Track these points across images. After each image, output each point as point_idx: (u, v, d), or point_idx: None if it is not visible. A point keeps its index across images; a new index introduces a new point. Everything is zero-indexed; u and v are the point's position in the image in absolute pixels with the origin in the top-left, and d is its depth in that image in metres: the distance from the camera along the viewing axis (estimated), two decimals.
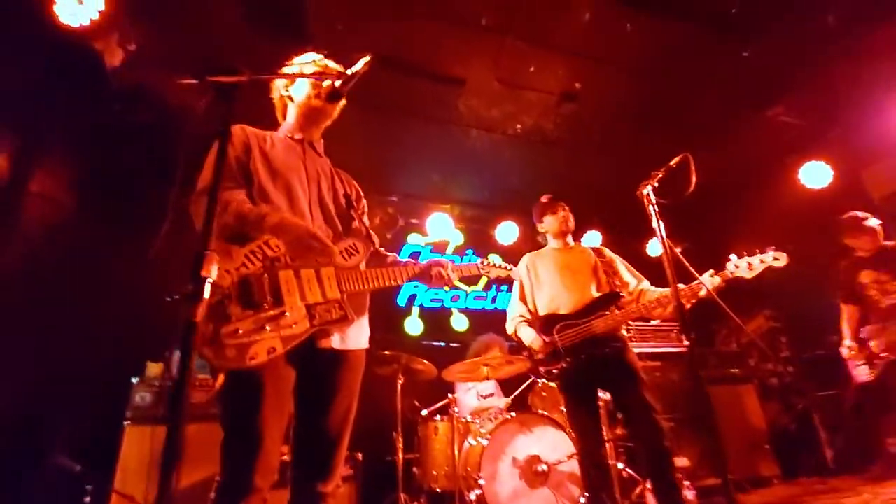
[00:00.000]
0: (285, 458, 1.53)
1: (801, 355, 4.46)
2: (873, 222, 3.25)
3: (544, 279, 2.72)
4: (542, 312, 2.64)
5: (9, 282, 2.81)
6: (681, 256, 1.77)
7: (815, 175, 4.43)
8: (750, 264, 2.21)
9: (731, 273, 2.24)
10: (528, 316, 2.71)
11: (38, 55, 2.88)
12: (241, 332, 1.28)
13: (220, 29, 3.01)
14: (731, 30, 3.31)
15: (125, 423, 2.91)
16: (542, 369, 2.52)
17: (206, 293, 0.99)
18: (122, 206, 3.50)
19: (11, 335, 2.74)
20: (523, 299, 2.79)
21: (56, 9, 2.64)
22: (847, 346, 3.22)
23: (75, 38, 2.75)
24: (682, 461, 3.28)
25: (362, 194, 1.81)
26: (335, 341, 1.47)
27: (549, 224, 2.85)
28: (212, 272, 1.01)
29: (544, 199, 2.94)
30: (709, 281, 2.23)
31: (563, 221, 2.83)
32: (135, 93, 3.26)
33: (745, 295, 2.97)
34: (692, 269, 1.91)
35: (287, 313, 1.35)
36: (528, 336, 2.59)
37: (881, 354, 3.07)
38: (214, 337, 1.25)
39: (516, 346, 2.84)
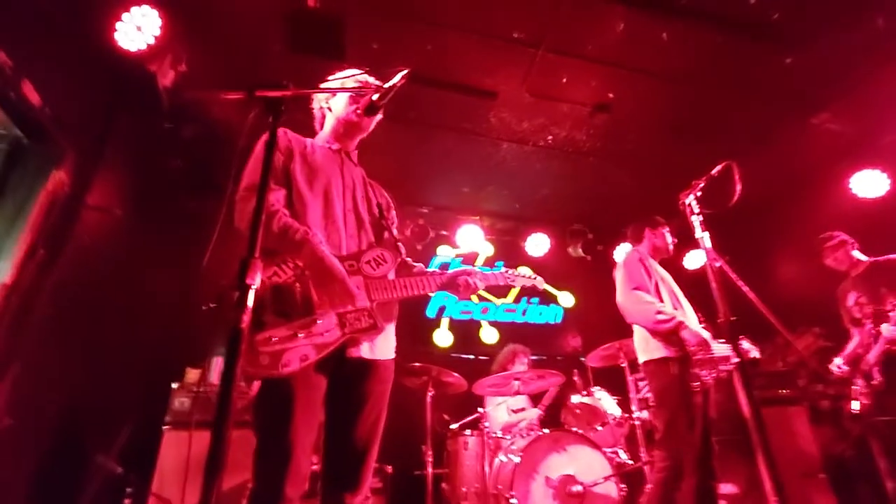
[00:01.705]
0: (316, 467, 1.53)
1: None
2: (840, 240, 3.22)
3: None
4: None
5: (62, 288, 2.98)
6: (727, 268, 1.70)
7: (869, 184, 4.18)
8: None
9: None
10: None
11: (98, 77, 3.10)
12: (274, 339, 1.30)
13: (263, 50, 3.16)
14: (772, 36, 3.19)
15: (164, 427, 3.01)
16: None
17: (251, 300, 1.00)
18: (168, 217, 3.68)
19: (62, 340, 2.89)
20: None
21: (117, 35, 2.84)
22: (835, 365, 3.12)
23: (132, 61, 2.94)
24: (728, 487, 3.09)
25: (392, 205, 1.83)
26: (364, 350, 1.48)
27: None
28: (256, 279, 1.02)
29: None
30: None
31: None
32: (184, 111, 3.45)
33: (793, 310, 2.81)
34: (739, 282, 1.83)
35: (319, 321, 1.37)
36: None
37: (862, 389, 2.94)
38: (249, 344, 1.28)
39: (545, 359, 2.81)
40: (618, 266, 2.85)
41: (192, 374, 3.32)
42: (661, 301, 2.62)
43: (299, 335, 1.33)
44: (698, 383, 2.39)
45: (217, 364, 3.29)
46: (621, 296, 2.71)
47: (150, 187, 3.72)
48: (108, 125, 3.29)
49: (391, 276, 1.58)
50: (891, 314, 2.88)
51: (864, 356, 2.99)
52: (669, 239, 2.96)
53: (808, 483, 3.54)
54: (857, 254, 3.26)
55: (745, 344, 2.50)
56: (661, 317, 2.51)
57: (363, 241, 1.61)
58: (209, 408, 3.05)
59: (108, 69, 3.01)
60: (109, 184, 3.50)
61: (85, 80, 3.05)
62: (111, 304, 3.23)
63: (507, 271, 1.87)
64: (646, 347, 2.65)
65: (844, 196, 4.24)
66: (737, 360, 1.58)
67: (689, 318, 2.66)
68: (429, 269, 1.73)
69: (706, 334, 2.47)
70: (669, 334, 2.48)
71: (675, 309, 2.64)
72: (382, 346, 1.54)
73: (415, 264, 1.76)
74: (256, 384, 1.32)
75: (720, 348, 2.45)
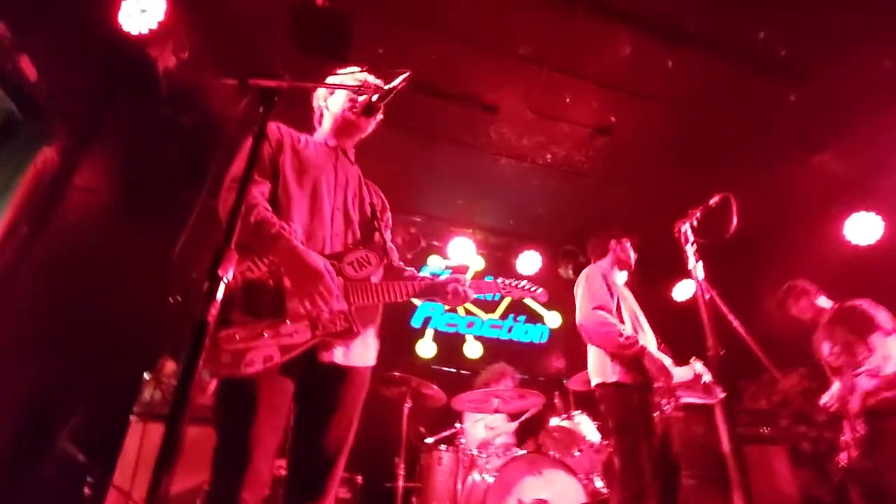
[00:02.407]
0: (282, 471, 1.48)
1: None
2: (802, 289, 3.21)
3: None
4: None
5: (43, 267, 2.91)
6: (718, 300, 1.67)
7: (864, 228, 4.19)
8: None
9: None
10: None
11: (99, 58, 3.07)
12: (238, 337, 1.25)
13: (268, 44, 3.15)
14: (778, 71, 3.22)
15: (131, 417, 2.92)
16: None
17: (221, 293, 0.95)
18: (156, 205, 3.63)
19: (37, 319, 2.82)
20: None
21: (120, 16, 2.81)
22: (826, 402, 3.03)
23: (134, 44, 2.92)
24: None
25: (388, 207, 1.79)
26: (338, 355, 1.42)
27: None
28: (229, 271, 0.97)
29: None
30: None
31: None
32: (183, 98, 3.42)
33: (779, 349, 2.79)
34: (729, 315, 1.80)
35: (288, 321, 1.32)
36: None
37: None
38: (211, 341, 1.23)
39: (527, 379, 2.74)
40: (578, 281, 2.71)
41: (168, 366, 3.24)
42: (623, 322, 2.50)
43: (265, 335, 1.28)
44: (658, 413, 2.31)
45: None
46: (581, 315, 2.58)
47: (142, 173, 3.67)
48: (103, 107, 3.26)
49: (375, 279, 1.53)
50: (864, 364, 2.86)
51: (849, 402, 2.95)
52: (632, 253, 2.87)
53: None
54: (821, 301, 3.22)
55: (699, 366, 2.44)
56: (623, 340, 2.37)
57: (349, 240, 1.57)
58: None
59: (108, 51, 2.98)
60: (100, 166, 3.45)
61: (85, 60, 3.03)
62: (91, 288, 3.16)
63: (502, 280, 1.79)
64: (602, 370, 2.49)
65: (838, 237, 4.25)
66: (719, 396, 1.54)
67: (649, 341, 2.56)
68: (419, 275, 1.68)
69: (667, 360, 2.38)
70: (630, 359, 2.37)
71: (636, 331, 2.53)
72: (359, 353, 1.48)
73: (406, 269, 1.71)
74: (213, 382, 1.27)
75: (680, 374, 2.38)
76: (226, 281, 0.96)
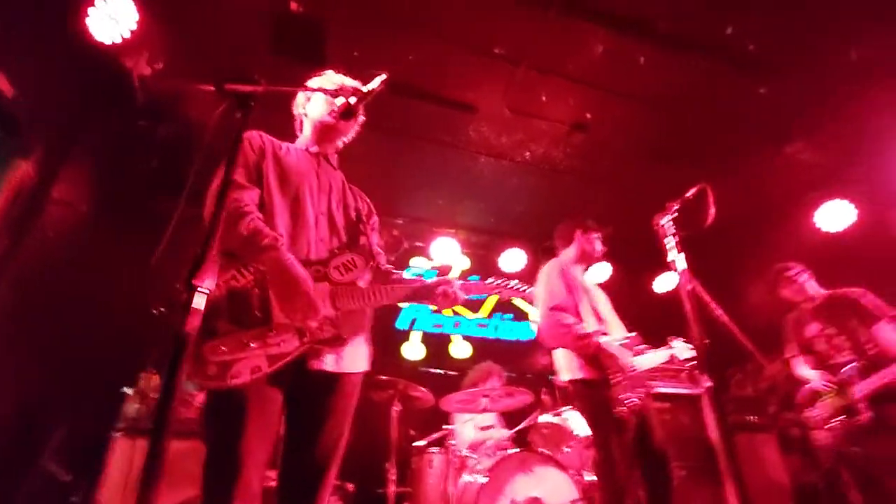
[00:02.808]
0: (273, 483, 1.46)
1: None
2: (798, 273, 3.21)
3: None
4: None
5: (20, 281, 2.84)
6: (701, 291, 1.70)
7: (836, 215, 4.30)
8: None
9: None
10: None
11: (74, 69, 3.00)
12: (224, 348, 1.23)
13: (245, 50, 3.12)
14: (748, 65, 3.29)
15: (114, 433, 2.85)
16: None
17: (200, 303, 0.93)
18: (135, 217, 3.55)
19: (14, 334, 2.74)
20: None
21: (89, 23, 2.74)
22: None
23: (107, 54, 2.86)
24: None
25: (374, 211, 1.79)
26: (328, 363, 1.41)
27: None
28: (207, 281, 0.95)
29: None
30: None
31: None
32: (159, 108, 3.37)
33: (761, 337, 2.83)
34: (712, 305, 1.83)
35: (274, 330, 1.30)
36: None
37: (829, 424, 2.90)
38: (196, 352, 1.21)
39: (514, 376, 2.73)
40: (539, 278, 2.66)
41: (149, 380, 3.17)
42: (581, 319, 2.48)
43: (251, 345, 1.26)
44: (628, 406, 2.28)
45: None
46: (539, 316, 2.55)
47: (120, 185, 3.61)
48: (80, 119, 3.19)
49: (362, 282, 1.52)
50: (868, 350, 2.82)
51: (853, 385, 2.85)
52: (599, 246, 2.81)
53: None
54: (813, 284, 3.23)
55: (678, 343, 2.45)
56: (578, 340, 2.37)
57: (335, 244, 1.56)
58: None
59: (84, 63, 2.93)
60: (78, 179, 3.38)
61: (61, 74, 2.97)
62: (69, 302, 3.09)
63: (492, 280, 1.77)
64: (569, 366, 2.48)
65: (813, 224, 4.36)
66: (705, 385, 1.55)
67: (613, 332, 2.55)
68: (406, 278, 1.67)
69: (626, 353, 2.36)
70: (592, 356, 2.37)
71: (600, 324, 2.51)
72: (350, 358, 1.47)
73: (394, 272, 1.69)
74: (201, 394, 1.25)
75: (649, 360, 2.38)
76: (206, 291, 0.95)
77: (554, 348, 2.57)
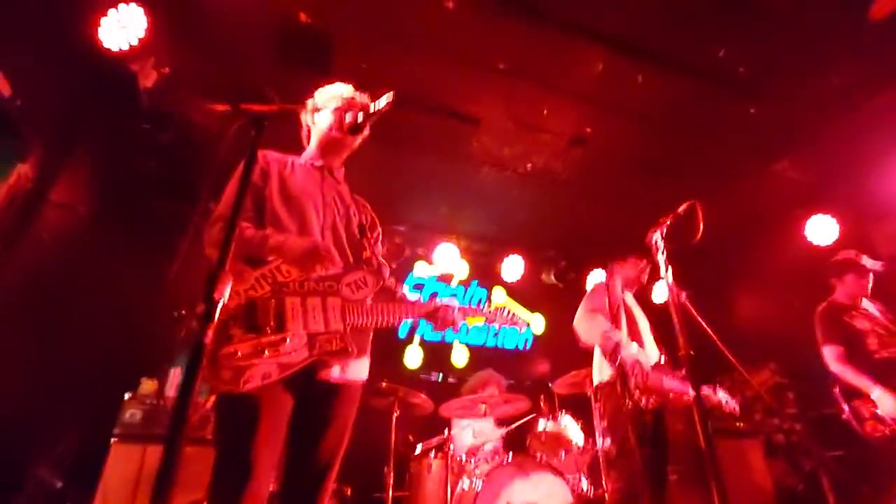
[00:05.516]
0: (272, 488, 1.49)
1: (807, 413, 4.33)
2: (871, 263, 3.02)
3: None
4: None
5: (15, 285, 2.83)
6: (688, 303, 1.77)
7: (822, 230, 4.44)
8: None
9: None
10: None
11: (75, 72, 3.01)
12: (239, 354, 1.28)
13: (252, 60, 3.15)
14: (739, 86, 3.43)
15: (112, 440, 2.85)
16: None
17: (217, 315, 0.98)
18: (135, 222, 3.56)
19: (11, 338, 2.73)
20: None
21: (100, 32, 2.77)
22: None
23: (113, 59, 2.88)
24: None
25: (378, 224, 1.83)
26: (334, 373, 1.46)
27: None
28: (224, 294, 1.00)
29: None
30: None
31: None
32: (163, 114, 3.39)
33: (749, 347, 2.90)
34: (698, 317, 1.91)
35: (287, 340, 1.35)
36: None
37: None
38: (213, 357, 1.25)
39: (512, 383, 2.83)
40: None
41: (148, 386, 3.17)
42: (618, 328, 2.66)
43: (265, 352, 1.30)
44: (643, 408, 2.43)
45: (174, 376, 3.16)
46: (577, 317, 2.81)
47: (120, 188, 3.60)
48: (80, 122, 3.20)
49: (370, 300, 1.55)
50: None
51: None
52: (636, 271, 3.02)
53: None
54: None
55: (722, 394, 2.65)
56: (605, 338, 2.57)
57: (341, 258, 1.60)
58: (162, 421, 2.90)
59: (87, 66, 2.93)
60: (76, 182, 3.37)
61: (62, 76, 2.97)
62: (66, 306, 3.08)
63: (495, 309, 1.84)
64: (599, 370, 2.73)
65: (801, 241, 4.48)
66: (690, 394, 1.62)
67: (647, 350, 2.71)
68: (409, 297, 1.70)
69: (643, 359, 2.53)
70: (613, 356, 2.55)
71: (631, 339, 2.68)
72: (354, 368, 1.53)
73: (397, 289, 1.73)
74: (212, 398, 1.29)
75: (656, 377, 2.51)
76: (222, 303, 0.99)
77: (586, 342, 2.76)
